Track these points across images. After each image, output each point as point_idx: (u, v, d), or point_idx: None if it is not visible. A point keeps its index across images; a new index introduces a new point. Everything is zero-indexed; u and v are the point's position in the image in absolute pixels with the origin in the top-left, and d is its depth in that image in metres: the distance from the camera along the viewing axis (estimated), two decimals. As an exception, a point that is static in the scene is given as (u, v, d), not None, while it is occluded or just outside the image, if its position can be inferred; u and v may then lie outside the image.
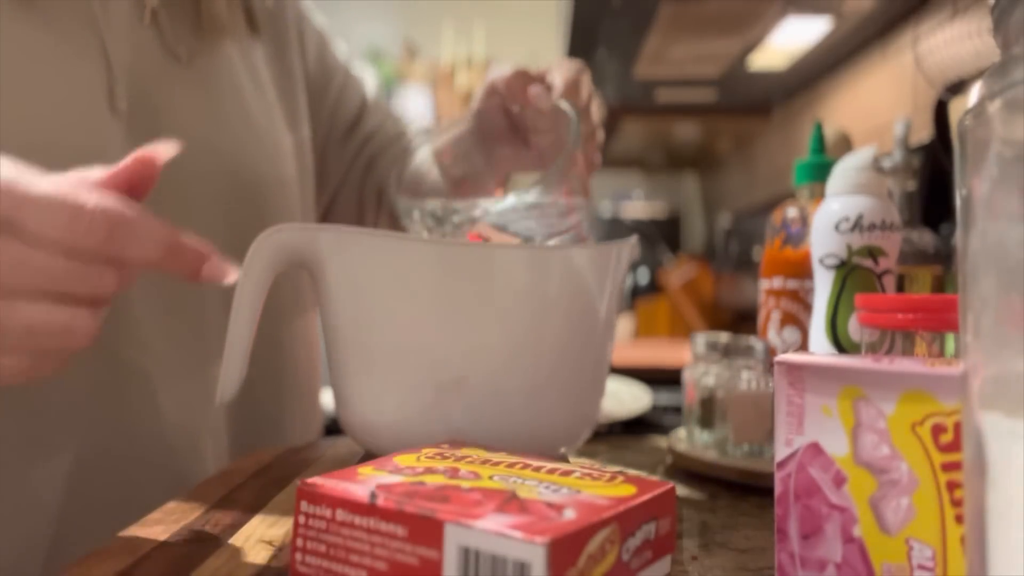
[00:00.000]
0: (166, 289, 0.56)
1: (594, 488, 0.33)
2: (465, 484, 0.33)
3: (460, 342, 0.47)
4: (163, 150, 0.39)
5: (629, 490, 0.33)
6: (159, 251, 0.38)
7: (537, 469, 0.36)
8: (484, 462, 0.37)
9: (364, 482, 0.32)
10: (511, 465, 0.36)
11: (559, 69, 0.59)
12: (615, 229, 2.11)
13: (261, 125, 0.65)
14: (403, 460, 0.37)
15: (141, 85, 0.56)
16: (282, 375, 0.68)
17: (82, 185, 0.36)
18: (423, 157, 0.67)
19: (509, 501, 0.31)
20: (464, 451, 0.39)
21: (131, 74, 0.55)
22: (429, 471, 0.35)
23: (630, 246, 0.52)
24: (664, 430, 0.74)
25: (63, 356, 0.38)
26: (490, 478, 0.34)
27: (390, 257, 0.46)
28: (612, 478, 0.35)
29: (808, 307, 0.57)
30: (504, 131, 0.64)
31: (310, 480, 0.33)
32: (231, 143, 0.62)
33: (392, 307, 0.47)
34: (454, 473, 0.34)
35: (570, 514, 0.29)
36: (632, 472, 0.36)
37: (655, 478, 0.38)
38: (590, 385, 0.51)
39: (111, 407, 0.53)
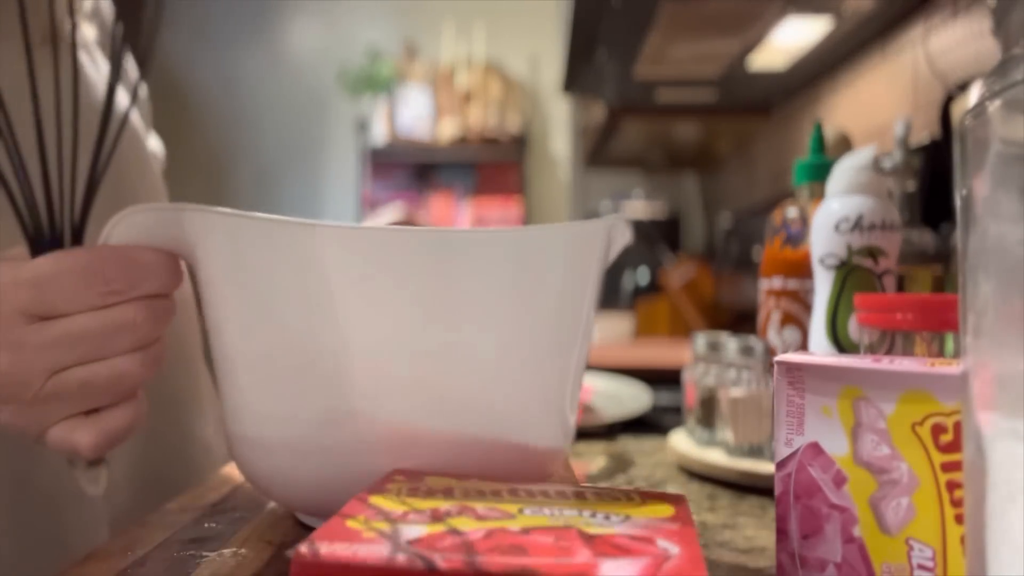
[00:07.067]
0: None
1: (635, 511, 0.30)
2: (512, 525, 0.27)
3: (368, 346, 0.37)
4: None
5: (666, 510, 0.31)
6: (170, 274, 0.39)
7: (544, 494, 0.32)
8: (481, 493, 0.32)
9: (375, 540, 0.26)
10: (513, 492, 0.32)
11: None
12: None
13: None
14: (386, 503, 0.30)
15: None
16: (162, 394, 0.60)
17: (67, 253, 0.37)
18: None
19: (589, 540, 0.27)
20: (431, 481, 0.33)
21: None
22: (446, 514, 0.29)
23: (605, 227, 0.42)
24: (664, 430, 0.74)
25: (128, 396, 0.39)
26: (520, 511, 0.29)
27: (275, 243, 0.37)
28: (633, 497, 0.32)
29: (808, 307, 0.57)
30: None
31: (304, 549, 0.25)
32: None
33: (285, 305, 0.37)
34: (472, 512, 0.29)
35: (672, 548, 0.26)
36: (641, 485, 0.35)
37: (665, 489, 0.38)
38: (553, 401, 0.41)
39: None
